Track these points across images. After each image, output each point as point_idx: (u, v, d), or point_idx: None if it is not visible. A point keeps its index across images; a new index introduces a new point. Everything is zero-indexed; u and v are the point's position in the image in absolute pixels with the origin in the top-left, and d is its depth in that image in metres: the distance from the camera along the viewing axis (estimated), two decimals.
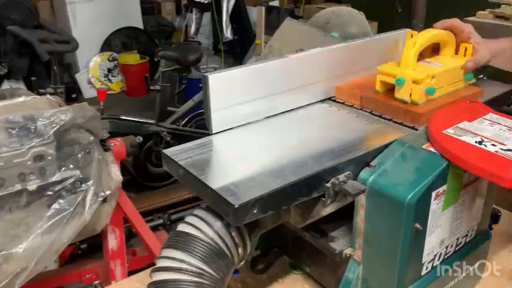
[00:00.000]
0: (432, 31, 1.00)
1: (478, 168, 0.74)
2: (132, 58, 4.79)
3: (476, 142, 0.79)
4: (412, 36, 1.00)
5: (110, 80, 4.95)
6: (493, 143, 0.79)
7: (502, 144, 0.78)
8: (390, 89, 0.97)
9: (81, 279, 1.89)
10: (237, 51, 5.02)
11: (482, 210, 0.94)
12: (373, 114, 0.97)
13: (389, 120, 0.94)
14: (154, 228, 2.49)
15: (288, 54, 0.98)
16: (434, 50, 1.06)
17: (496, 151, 0.76)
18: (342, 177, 0.78)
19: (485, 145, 0.78)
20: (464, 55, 1.03)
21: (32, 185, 1.26)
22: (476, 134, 0.82)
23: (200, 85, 0.88)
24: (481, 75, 1.16)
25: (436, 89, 0.93)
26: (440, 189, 0.78)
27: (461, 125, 0.85)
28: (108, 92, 3.71)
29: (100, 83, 4.87)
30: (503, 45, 1.06)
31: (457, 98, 0.97)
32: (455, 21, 1.03)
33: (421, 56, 1.01)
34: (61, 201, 1.32)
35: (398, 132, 0.89)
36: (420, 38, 0.97)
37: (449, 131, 0.83)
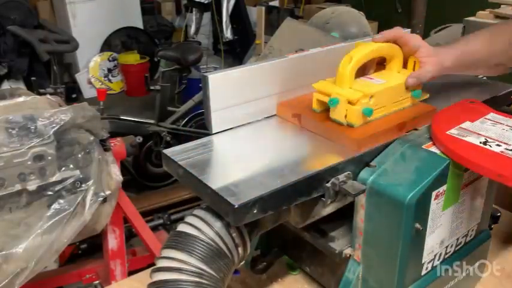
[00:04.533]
0: (371, 45, 0.89)
1: (485, 169, 0.73)
2: (132, 58, 4.79)
3: (481, 143, 0.78)
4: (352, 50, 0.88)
5: (110, 80, 4.95)
6: (498, 143, 0.78)
7: (507, 144, 0.77)
8: (328, 108, 0.87)
9: (81, 279, 1.89)
10: (237, 51, 5.02)
11: (482, 210, 0.94)
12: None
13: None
14: (154, 228, 2.49)
15: (288, 54, 0.98)
16: (380, 64, 0.95)
17: (502, 151, 0.75)
18: (342, 177, 0.78)
19: (490, 145, 0.77)
20: (414, 69, 0.92)
21: (32, 185, 1.27)
22: (479, 134, 0.81)
23: (200, 85, 0.88)
24: (481, 75, 1.15)
25: (374, 109, 0.84)
26: (440, 189, 0.78)
27: (464, 125, 0.84)
28: (108, 92, 3.71)
29: (100, 83, 4.87)
30: (456, 54, 0.93)
31: (403, 119, 0.88)
32: (397, 32, 0.91)
33: (364, 71, 0.92)
34: (61, 201, 1.32)
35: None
36: (357, 54, 0.86)
37: (453, 131, 0.82)
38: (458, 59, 0.94)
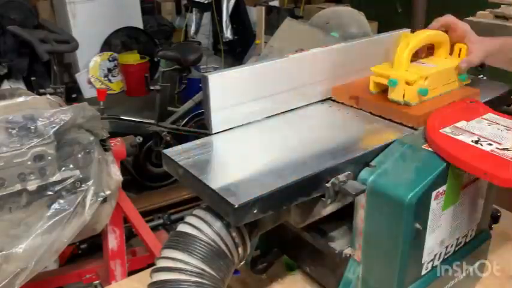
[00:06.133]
0: (426, 32, 1.00)
1: (472, 167, 0.74)
2: (132, 58, 4.78)
3: (472, 141, 0.79)
4: (406, 37, 1.00)
5: (110, 80, 4.95)
6: (490, 142, 0.79)
7: (498, 143, 0.78)
8: (385, 90, 0.97)
9: (81, 279, 1.89)
10: (237, 51, 5.02)
11: (482, 210, 0.94)
12: (372, 114, 0.97)
13: (389, 120, 0.94)
14: (154, 228, 2.48)
15: (288, 54, 0.98)
16: (429, 50, 1.05)
17: (492, 150, 0.76)
18: (342, 177, 0.78)
19: (481, 144, 0.78)
20: (459, 55, 1.02)
21: (32, 185, 1.27)
22: (473, 133, 0.82)
23: (200, 85, 0.88)
24: (481, 76, 1.15)
25: (429, 90, 0.93)
26: (440, 189, 0.78)
27: (459, 124, 0.85)
28: (108, 92, 3.70)
29: (100, 83, 4.86)
30: (500, 43, 1.04)
31: (452, 99, 0.96)
32: (449, 18, 1.02)
33: (416, 57, 1.01)
34: (61, 201, 1.32)
35: (397, 132, 0.89)
36: (413, 39, 0.96)
37: (447, 130, 0.83)
38: (501, 49, 1.02)
